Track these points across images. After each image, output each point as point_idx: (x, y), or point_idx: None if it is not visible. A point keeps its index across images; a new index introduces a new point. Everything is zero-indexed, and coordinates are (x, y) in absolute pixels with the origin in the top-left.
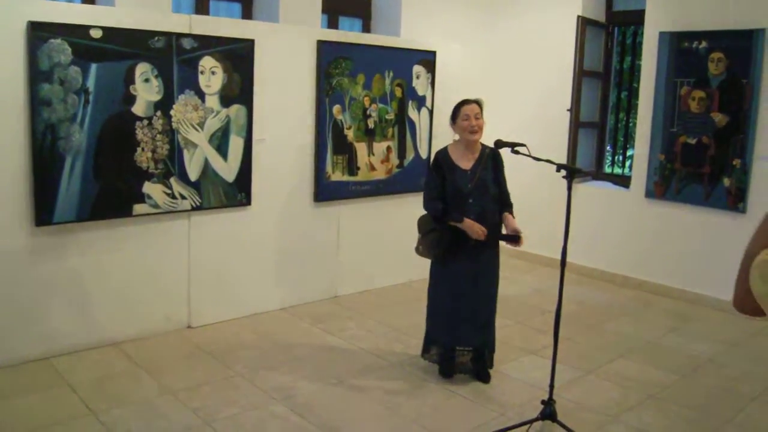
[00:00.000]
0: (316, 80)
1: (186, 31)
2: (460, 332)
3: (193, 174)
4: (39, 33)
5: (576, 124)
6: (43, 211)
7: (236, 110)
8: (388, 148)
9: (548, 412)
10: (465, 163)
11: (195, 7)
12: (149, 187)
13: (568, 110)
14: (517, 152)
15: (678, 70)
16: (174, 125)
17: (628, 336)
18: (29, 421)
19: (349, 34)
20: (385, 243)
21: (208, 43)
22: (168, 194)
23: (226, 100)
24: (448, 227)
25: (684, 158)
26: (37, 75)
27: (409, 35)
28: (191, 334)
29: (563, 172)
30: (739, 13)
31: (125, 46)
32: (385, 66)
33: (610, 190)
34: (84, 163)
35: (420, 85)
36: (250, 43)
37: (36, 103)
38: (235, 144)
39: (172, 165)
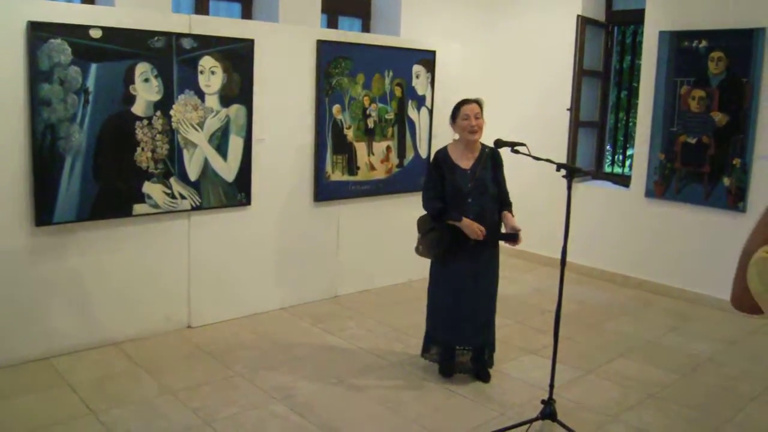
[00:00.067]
0: (315, 80)
1: (186, 31)
2: (460, 332)
3: (193, 174)
4: (39, 33)
5: (576, 124)
6: (43, 211)
7: (236, 110)
8: (388, 148)
9: (548, 411)
10: (465, 162)
11: (195, 7)
12: (149, 187)
13: (567, 109)
14: (516, 152)
15: (678, 69)
16: (174, 125)
17: (628, 335)
18: (29, 421)
19: (348, 33)
20: (385, 243)
21: (208, 43)
22: (168, 194)
23: (225, 99)
24: (447, 227)
25: (684, 157)
26: (37, 75)
27: (409, 35)
28: (191, 334)
29: (563, 172)
30: (739, 12)
31: (125, 46)
32: (384, 66)
33: (610, 190)
34: (84, 163)
35: (420, 84)
36: (250, 42)
37: (36, 103)
38: (235, 144)
39: (171, 165)
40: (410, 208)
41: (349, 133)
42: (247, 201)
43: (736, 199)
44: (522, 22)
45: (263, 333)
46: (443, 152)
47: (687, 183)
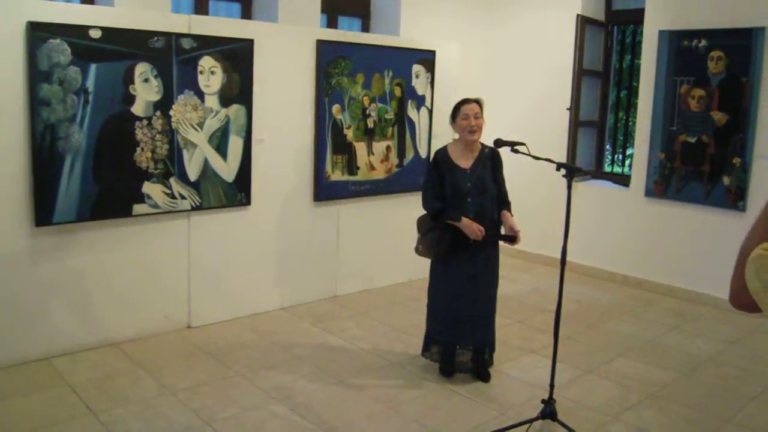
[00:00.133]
0: (315, 80)
1: (185, 31)
2: (460, 331)
3: (193, 174)
4: (38, 33)
5: (575, 123)
6: (43, 212)
7: (236, 110)
8: (388, 148)
9: (548, 411)
10: (464, 162)
11: (194, 7)
12: (149, 187)
13: (567, 109)
14: (516, 151)
15: (677, 68)
16: (173, 125)
17: (628, 335)
18: (29, 421)
19: (348, 33)
20: (385, 242)
21: (208, 43)
22: (168, 194)
23: (225, 100)
24: (447, 226)
25: (684, 157)
26: (36, 75)
27: (409, 34)
28: (191, 334)
29: (563, 171)
30: (739, 11)
31: (124, 46)
32: (384, 65)
33: (610, 189)
34: (83, 164)
35: (419, 84)
36: (250, 42)
37: (35, 104)
38: (235, 144)
39: (171, 165)
40: (410, 208)
41: (349, 133)
42: (246, 201)
43: (736, 199)
44: (522, 21)
45: (263, 333)
46: (443, 152)
47: (687, 182)
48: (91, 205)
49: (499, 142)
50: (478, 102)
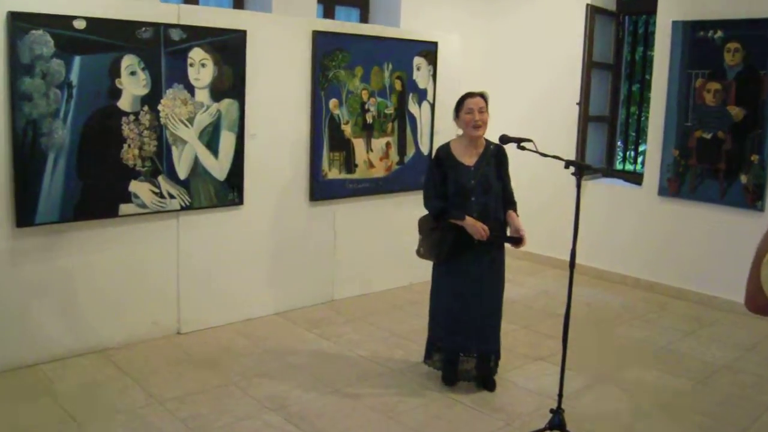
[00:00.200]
0: (311, 73)
1: (174, 21)
2: (463, 338)
3: (182, 172)
4: (20, 24)
5: (585, 119)
6: (25, 212)
7: (227, 105)
8: (388, 144)
9: (557, 421)
10: (468, 159)
11: None
12: (136, 186)
13: (577, 104)
14: (523, 148)
15: (692, 61)
16: (162, 121)
17: (640, 341)
18: (13, 430)
19: (346, 24)
20: (385, 244)
21: (198, 34)
22: (156, 193)
23: (216, 94)
24: (449, 227)
25: (699, 154)
26: (17, 68)
27: (410, 25)
28: (181, 340)
29: (572, 169)
30: (756, 0)
31: (110, 38)
32: (384, 58)
33: (622, 188)
34: (67, 161)
35: (421, 77)
36: (242, 34)
37: (16, 98)
38: (227, 140)
39: (160, 162)
40: (411, 207)
41: (347, 129)
42: (239, 200)
43: (754, 198)
44: (528, 11)
45: (256, 339)
46: (445, 148)
47: (702, 180)
48: (75, 205)
49: (504, 138)
50: (482, 96)
